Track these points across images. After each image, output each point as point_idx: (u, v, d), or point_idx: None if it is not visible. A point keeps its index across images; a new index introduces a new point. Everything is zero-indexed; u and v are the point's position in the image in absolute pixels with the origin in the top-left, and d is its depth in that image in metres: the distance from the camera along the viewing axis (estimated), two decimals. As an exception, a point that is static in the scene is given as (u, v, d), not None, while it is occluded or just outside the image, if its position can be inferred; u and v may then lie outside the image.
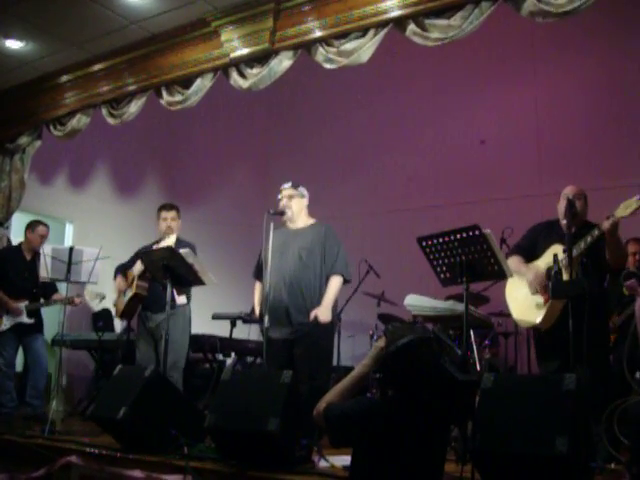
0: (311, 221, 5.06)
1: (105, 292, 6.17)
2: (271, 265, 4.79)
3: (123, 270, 5.68)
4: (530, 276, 4.24)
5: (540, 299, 4.14)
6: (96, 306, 7.07)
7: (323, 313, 4.66)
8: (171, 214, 5.68)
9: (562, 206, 4.13)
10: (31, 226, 6.31)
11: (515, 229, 5.41)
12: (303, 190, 5.02)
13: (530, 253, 4.38)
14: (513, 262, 4.44)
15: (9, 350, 6.04)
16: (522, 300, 4.27)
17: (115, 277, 5.73)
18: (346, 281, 4.98)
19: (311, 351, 4.67)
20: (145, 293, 5.38)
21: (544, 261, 4.23)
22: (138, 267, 5.40)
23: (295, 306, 4.74)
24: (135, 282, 5.37)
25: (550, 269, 3.94)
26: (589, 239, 3.95)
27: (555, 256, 3.92)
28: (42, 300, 6.19)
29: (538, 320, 4.14)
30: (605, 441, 3.37)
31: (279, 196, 5.02)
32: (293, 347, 4.73)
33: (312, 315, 4.65)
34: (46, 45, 6.04)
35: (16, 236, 6.84)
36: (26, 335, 6.11)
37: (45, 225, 6.33)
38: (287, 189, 4.99)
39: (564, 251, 3.86)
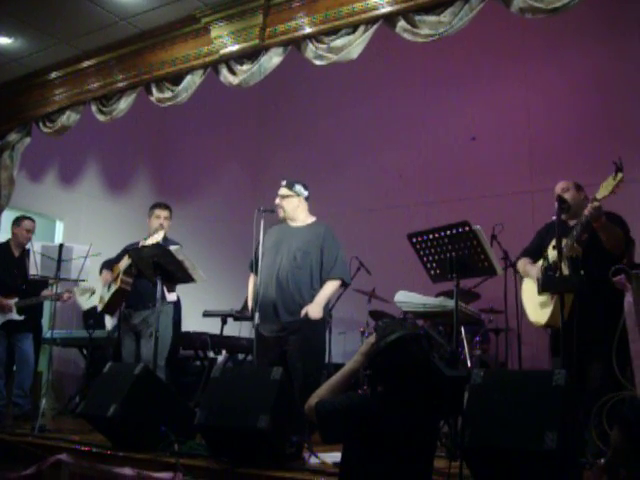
0: (310, 220, 5.03)
1: (95, 287, 6.15)
2: (265, 262, 4.79)
3: (110, 265, 5.69)
4: (533, 272, 4.25)
5: (545, 298, 4.13)
6: (85, 302, 7.05)
7: (314, 310, 4.65)
8: (165, 213, 5.73)
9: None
10: (17, 221, 6.29)
11: (506, 226, 5.42)
12: (300, 189, 4.97)
13: (538, 255, 4.36)
14: (520, 265, 4.46)
15: (-2, 348, 6.02)
16: (533, 301, 4.26)
17: (100, 272, 5.73)
18: (345, 284, 4.98)
19: (303, 348, 4.67)
20: (129, 288, 5.39)
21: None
22: (124, 262, 5.40)
23: (284, 304, 4.73)
24: (120, 277, 5.36)
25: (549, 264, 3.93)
26: (579, 227, 3.95)
27: (545, 252, 3.93)
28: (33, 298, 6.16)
29: (544, 320, 4.13)
30: (595, 436, 3.38)
31: (279, 192, 5.01)
32: (284, 344, 4.73)
33: (303, 311, 4.65)
34: (35, 41, 6.00)
35: (6, 234, 6.80)
36: (15, 333, 6.08)
37: (31, 219, 6.30)
38: (281, 188, 4.97)
39: (553, 247, 3.86)
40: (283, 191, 4.96)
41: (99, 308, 5.75)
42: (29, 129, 6.80)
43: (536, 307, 4.21)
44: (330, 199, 8.02)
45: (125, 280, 5.36)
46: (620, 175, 3.71)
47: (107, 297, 5.51)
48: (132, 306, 5.60)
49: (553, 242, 4.11)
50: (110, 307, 5.60)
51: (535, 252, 4.41)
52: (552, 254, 3.94)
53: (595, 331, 3.84)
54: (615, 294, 3.78)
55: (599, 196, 3.79)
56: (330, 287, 4.80)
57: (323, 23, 4.89)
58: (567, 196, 4.17)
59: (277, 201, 4.96)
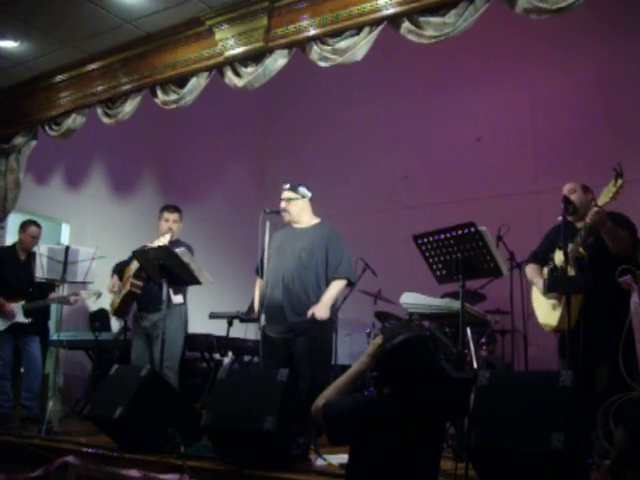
0: (315, 221, 5.03)
1: (102, 291, 6.17)
2: (270, 264, 4.79)
3: (121, 268, 5.68)
4: (540, 284, 4.24)
5: (555, 301, 4.13)
6: (92, 304, 7.06)
7: (321, 310, 4.65)
8: (173, 216, 5.68)
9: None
10: (23, 226, 6.29)
11: (511, 226, 5.41)
12: (304, 190, 4.99)
13: (546, 258, 4.35)
14: (528, 271, 4.45)
15: (6, 351, 6.02)
16: (543, 304, 4.26)
17: (112, 276, 5.74)
18: (351, 284, 4.98)
19: (310, 349, 4.68)
20: (139, 291, 5.38)
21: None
22: (134, 265, 5.40)
23: (291, 305, 4.74)
24: (130, 280, 5.37)
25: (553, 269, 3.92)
26: (584, 232, 3.94)
27: (551, 254, 3.93)
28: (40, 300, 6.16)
29: (554, 323, 4.12)
30: (601, 437, 3.37)
31: (282, 196, 5.01)
32: (291, 345, 4.74)
33: (310, 312, 4.65)
34: (41, 45, 6.02)
35: (12, 236, 6.83)
36: (22, 336, 6.09)
37: (37, 225, 6.29)
38: (285, 191, 4.98)
39: (560, 248, 3.85)
40: (288, 194, 4.96)
41: (110, 312, 5.75)
42: (35, 132, 6.82)
43: (546, 310, 4.20)
44: (335, 201, 8.02)
45: (135, 283, 5.35)
46: (620, 181, 3.71)
47: (118, 300, 5.52)
48: (144, 308, 5.59)
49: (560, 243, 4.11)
50: (120, 310, 5.60)
51: (543, 254, 4.39)
52: (558, 255, 3.93)
53: (602, 332, 3.83)
54: (621, 295, 3.77)
55: (600, 202, 3.79)
56: (336, 287, 4.79)
57: (327, 25, 4.89)
58: (574, 198, 4.15)
59: (283, 205, 4.95)
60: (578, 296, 3.84)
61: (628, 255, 3.99)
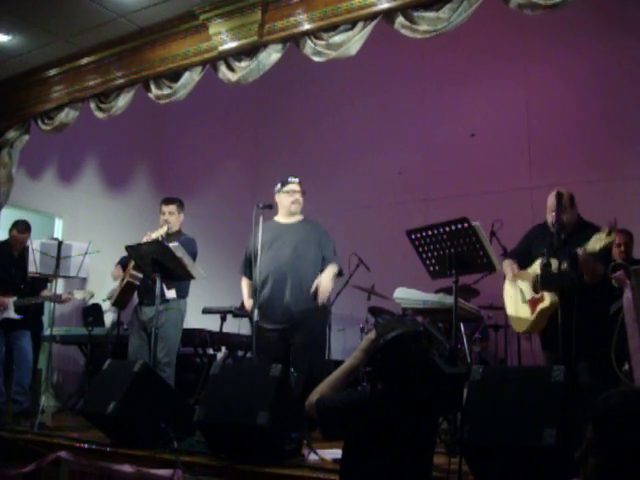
0: (300, 217, 5.12)
1: (94, 288, 6.15)
2: (264, 259, 4.81)
3: (126, 261, 5.66)
4: (510, 276, 4.27)
5: (527, 304, 4.15)
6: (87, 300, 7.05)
7: (323, 284, 4.78)
8: (169, 208, 5.64)
9: (550, 208, 4.13)
10: (10, 228, 6.24)
11: (505, 222, 5.42)
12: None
13: (525, 258, 4.35)
14: (505, 265, 4.45)
15: (-4, 346, 6.01)
16: (515, 306, 4.27)
17: (116, 265, 5.73)
18: (341, 274, 5.12)
19: (308, 341, 4.78)
20: (137, 283, 5.36)
21: (533, 269, 4.20)
22: None
23: (294, 297, 4.82)
24: (129, 271, 5.35)
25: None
26: (567, 264, 3.93)
27: (544, 248, 3.93)
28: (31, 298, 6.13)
29: (524, 328, 4.19)
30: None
31: (288, 187, 5.06)
32: (288, 338, 4.78)
33: (313, 286, 4.77)
34: (33, 39, 5.99)
35: (4, 231, 6.80)
36: (13, 331, 6.06)
37: (19, 230, 6.19)
38: (297, 184, 5.09)
39: (549, 252, 3.86)
40: (300, 187, 5.08)
41: (110, 302, 5.72)
42: (28, 126, 6.78)
43: (518, 311, 4.23)
44: (329, 196, 8.03)
45: (134, 275, 5.33)
46: (613, 236, 3.72)
47: (118, 291, 5.50)
48: (143, 301, 5.56)
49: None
50: (120, 301, 5.57)
51: (521, 254, 4.42)
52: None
53: (585, 330, 3.83)
54: (606, 292, 3.81)
55: (588, 248, 3.77)
56: (331, 270, 4.92)
57: (321, 19, 4.87)
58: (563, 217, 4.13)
59: (297, 197, 5.06)
60: (554, 298, 3.87)
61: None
